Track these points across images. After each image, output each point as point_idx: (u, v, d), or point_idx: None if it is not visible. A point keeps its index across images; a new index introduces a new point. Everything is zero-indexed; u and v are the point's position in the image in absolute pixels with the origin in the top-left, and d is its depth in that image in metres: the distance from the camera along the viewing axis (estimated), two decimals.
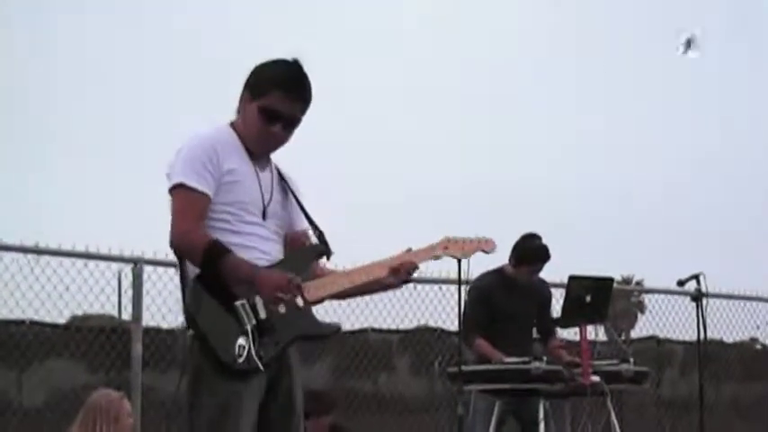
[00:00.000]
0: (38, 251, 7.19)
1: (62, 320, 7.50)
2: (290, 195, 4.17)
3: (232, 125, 4.08)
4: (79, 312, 7.64)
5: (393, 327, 8.86)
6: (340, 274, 4.15)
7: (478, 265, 7.06)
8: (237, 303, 3.82)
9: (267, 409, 3.94)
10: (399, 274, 4.13)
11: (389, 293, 8.28)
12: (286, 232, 4.16)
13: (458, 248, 4.30)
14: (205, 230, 3.86)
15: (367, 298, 8.21)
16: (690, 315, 8.57)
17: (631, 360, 7.48)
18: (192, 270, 3.88)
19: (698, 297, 7.96)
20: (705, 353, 8.30)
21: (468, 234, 4.37)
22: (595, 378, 6.99)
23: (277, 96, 4.00)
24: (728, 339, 10.12)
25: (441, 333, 8.73)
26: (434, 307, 8.64)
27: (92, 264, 7.50)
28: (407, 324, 8.83)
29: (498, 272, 7.46)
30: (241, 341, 3.78)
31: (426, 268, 7.75)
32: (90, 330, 7.49)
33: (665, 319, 9.86)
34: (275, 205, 4.08)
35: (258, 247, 3.97)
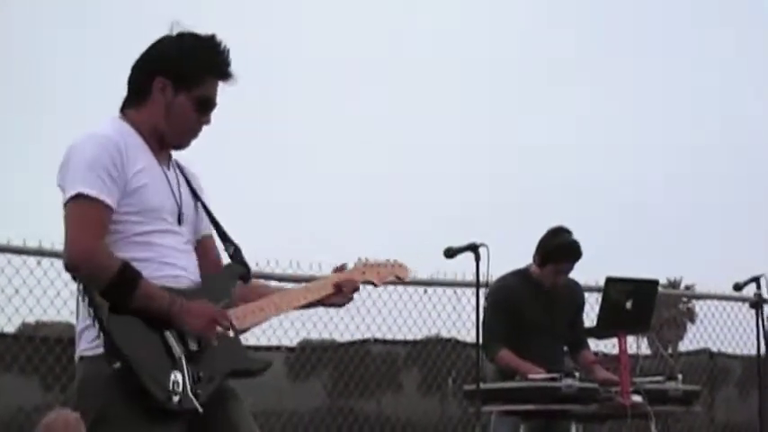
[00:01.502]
0: None
1: (10, 329, 7.43)
2: (197, 200, 4.10)
3: (125, 119, 3.94)
4: (31, 320, 7.48)
5: (399, 337, 8.81)
6: (266, 301, 4.14)
7: (500, 266, 7.04)
8: (167, 333, 3.72)
9: None
10: (342, 296, 4.32)
11: (395, 300, 8.58)
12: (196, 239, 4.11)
13: (374, 273, 4.45)
14: (109, 249, 3.72)
15: (369, 303, 8.45)
16: (748, 324, 8.42)
17: (679, 377, 7.41)
18: None
19: (758, 303, 7.89)
20: (765, 370, 8.18)
21: (384, 257, 4.52)
22: (637, 398, 6.90)
23: (211, 84, 3.99)
24: None
25: (455, 344, 8.64)
26: (448, 314, 8.55)
27: (46, 262, 7.35)
28: (416, 334, 8.79)
29: (522, 273, 7.39)
30: (175, 376, 3.69)
31: (439, 269, 8.02)
32: (44, 341, 7.38)
33: (719, 330, 9.72)
34: (188, 208, 4.01)
35: (176, 262, 3.89)
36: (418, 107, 74.26)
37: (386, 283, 4.73)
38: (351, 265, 4.49)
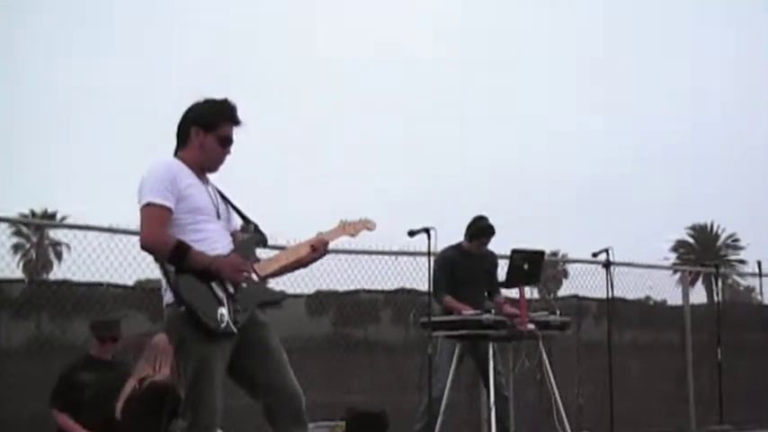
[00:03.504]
0: (112, 230, 7.19)
1: (130, 283, 7.49)
2: (227, 203, 4.19)
3: (176, 157, 4.08)
4: (143, 277, 7.49)
5: (379, 288, 8.81)
6: (275, 257, 4.19)
7: (442, 242, 7.16)
8: (212, 283, 3.83)
9: (246, 361, 3.95)
10: (318, 250, 4.24)
11: (376, 264, 8.58)
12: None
13: (351, 229, 4.40)
14: (169, 234, 3.84)
15: (359, 267, 8.46)
16: (601, 279, 8.67)
17: (558, 312, 7.50)
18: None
19: (607, 265, 8.25)
20: (612, 307, 8.52)
21: (358, 217, 4.44)
22: (531, 326, 7.01)
23: (227, 126, 4.07)
24: (629, 297, 10.18)
25: (414, 293, 8.63)
26: (409, 273, 8.57)
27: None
28: (390, 286, 8.76)
29: (457, 246, 7.48)
30: (222, 311, 3.81)
31: (403, 244, 8.03)
32: (152, 290, 7.31)
33: (582, 282, 9.86)
34: (221, 208, 4.10)
35: (217, 240, 3.98)
36: None
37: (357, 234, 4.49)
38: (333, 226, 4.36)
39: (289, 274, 4.47)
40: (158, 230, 3.82)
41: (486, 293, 7.55)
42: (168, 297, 3.88)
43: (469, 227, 7.46)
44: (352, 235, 4.44)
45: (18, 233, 44.42)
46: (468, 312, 6.98)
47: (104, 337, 6.40)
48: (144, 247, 3.86)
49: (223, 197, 4.17)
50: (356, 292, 8.71)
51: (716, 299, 11.10)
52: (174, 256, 3.77)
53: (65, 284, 7.68)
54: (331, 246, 4.37)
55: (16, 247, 45.62)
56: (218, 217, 4.03)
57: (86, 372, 6.26)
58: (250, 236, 4.16)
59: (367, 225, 4.46)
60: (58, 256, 45.08)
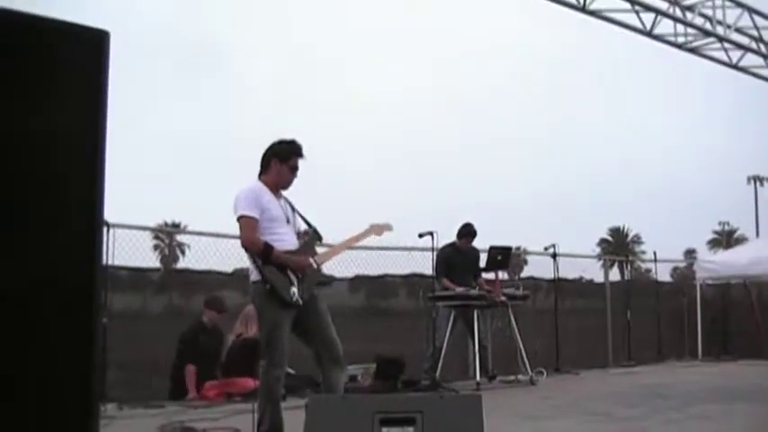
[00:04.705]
0: (217, 235, 7.05)
1: (229, 270, 7.37)
2: (294, 211, 4.07)
3: (259, 179, 3.98)
4: (239, 266, 7.18)
5: (399, 273, 8.68)
6: (330, 250, 4.07)
7: (443, 240, 7.08)
8: (288, 270, 3.78)
9: (304, 322, 3.84)
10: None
11: (396, 257, 8.35)
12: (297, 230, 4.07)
13: (379, 230, 4.23)
14: (259, 237, 3.78)
15: (385, 259, 8.26)
16: (550, 265, 8.61)
17: (520, 288, 7.45)
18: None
19: (554, 256, 8.20)
20: (557, 285, 8.52)
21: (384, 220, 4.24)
22: (503, 298, 6.97)
23: (296, 159, 3.97)
24: (569, 277, 10.01)
25: (423, 276, 8.34)
26: (420, 263, 8.26)
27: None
28: (407, 271, 8.61)
29: (452, 244, 7.40)
30: (293, 289, 3.75)
31: (416, 242, 7.56)
32: (245, 276, 7.13)
33: (537, 268, 9.67)
34: (291, 217, 3.99)
35: (287, 239, 3.87)
36: None
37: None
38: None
39: (335, 264, 4.41)
40: (252, 235, 3.74)
41: (471, 276, 7.42)
42: (253, 277, 3.79)
43: (460, 230, 7.39)
44: (380, 235, 4.27)
45: (156, 237, 44.73)
46: (460, 289, 6.94)
47: (221, 310, 6.32)
48: (243, 247, 3.80)
49: (292, 207, 4.06)
50: (382, 276, 8.60)
51: (626, 278, 10.98)
52: (263, 252, 3.72)
53: (187, 271, 7.64)
54: (364, 243, 4.27)
55: (155, 247, 45.91)
56: (288, 222, 3.92)
57: (203, 335, 6.20)
58: (311, 237, 4.04)
59: (387, 228, 4.32)
60: (183, 252, 45.21)
